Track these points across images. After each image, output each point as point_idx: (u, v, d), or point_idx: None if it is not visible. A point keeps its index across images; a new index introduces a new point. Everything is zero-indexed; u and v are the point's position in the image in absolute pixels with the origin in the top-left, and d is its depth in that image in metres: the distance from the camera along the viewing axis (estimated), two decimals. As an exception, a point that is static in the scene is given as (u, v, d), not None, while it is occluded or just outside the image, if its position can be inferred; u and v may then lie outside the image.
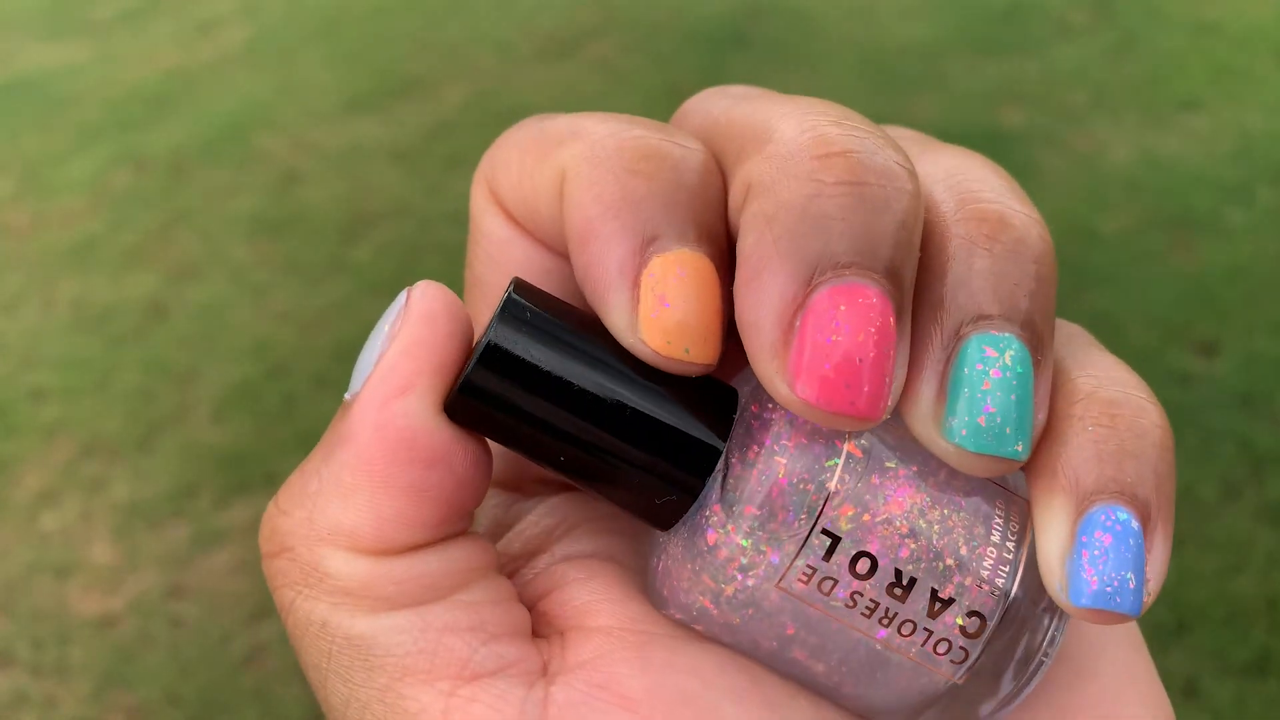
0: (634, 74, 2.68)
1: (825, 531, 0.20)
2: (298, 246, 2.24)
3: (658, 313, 0.20)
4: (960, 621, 0.21)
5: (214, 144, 2.60)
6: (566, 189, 0.21)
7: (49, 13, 3.39)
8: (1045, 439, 0.21)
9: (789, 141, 0.20)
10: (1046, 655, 0.22)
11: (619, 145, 0.21)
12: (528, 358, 0.20)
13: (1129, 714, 0.23)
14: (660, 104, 2.55)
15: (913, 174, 0.20)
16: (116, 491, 1.74)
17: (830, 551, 0.21)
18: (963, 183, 0.22)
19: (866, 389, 0.19)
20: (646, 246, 0.20)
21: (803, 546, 0.20)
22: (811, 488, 0.21)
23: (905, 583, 0.21)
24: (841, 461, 0.21)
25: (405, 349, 0.21)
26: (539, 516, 0.25)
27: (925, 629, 0.21)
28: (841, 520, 0.21)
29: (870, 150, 0.20)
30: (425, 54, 2.89)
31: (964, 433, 0.20)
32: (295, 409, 1.85)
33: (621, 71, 2.70)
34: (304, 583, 0.21)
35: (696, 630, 0.22)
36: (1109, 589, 0.20)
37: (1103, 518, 0.20)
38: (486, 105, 2.64)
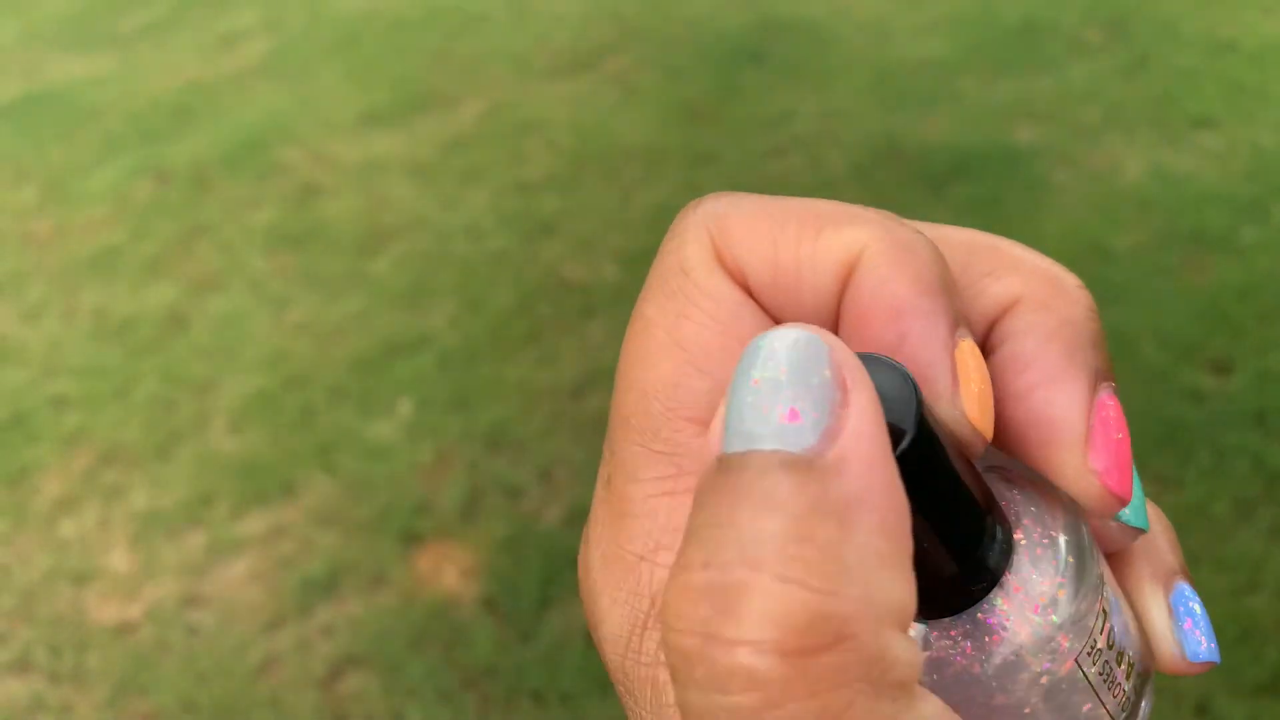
0: (649, 89, 2.70)
1: (1102, 610, 0.24)
2: (316, 258, 2.26)
3: (968, 386, 0.22)
4: (1131, 681, 0.25)
5: (234, 156, 2.63)
6: (870, 266, 0.22)
7: (73, 25, 3.43)
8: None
9: (1045, 268, 0.24)
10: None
11: (913, 235, 0.23)
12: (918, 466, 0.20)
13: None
14: (675, 119, 2.57)
15: None
16: (135, 500, 1.76)
17: (1101, 628, 0.24)
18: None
19: (1127, 478, 0.23)
20: (955, 329, 0.22)
21: (1095, 622, 0.23)
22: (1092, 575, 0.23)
23: (1119, 651, 0.24)
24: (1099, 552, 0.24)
25: (873, 401, 0.19)
26: None
27: (1121, 688, 0.25)
28: (1105, 599, 0.24)
29: None
30: (442, 68, 2.91)
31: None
32: (312, 420, 1.86)
33: (636, 87, 2.72)
34: (867, 678, 0.17)
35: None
36: (1211, 645, 0.25)
37: (1187, 595, 0.25)
38: (503, 119, 2.66)
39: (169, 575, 1.63)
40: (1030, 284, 0.24)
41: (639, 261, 2.14)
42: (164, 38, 3.27)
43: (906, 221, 0.23)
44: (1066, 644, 0.22)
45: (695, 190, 2.45)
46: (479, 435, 1.79)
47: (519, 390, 1.87)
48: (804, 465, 0.18)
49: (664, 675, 0.22)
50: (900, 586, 0.18)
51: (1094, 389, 0.23)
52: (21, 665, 1.53)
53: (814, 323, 0.22)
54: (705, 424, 0.22)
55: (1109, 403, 0.23)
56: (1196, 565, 1.45)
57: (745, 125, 2.51)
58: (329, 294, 2.15)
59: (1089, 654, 0.23)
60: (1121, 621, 0.24)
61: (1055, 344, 0.23)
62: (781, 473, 0.18)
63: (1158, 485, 1.56)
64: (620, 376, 0.23)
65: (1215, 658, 0.25)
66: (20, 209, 2.56)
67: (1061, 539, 0.23)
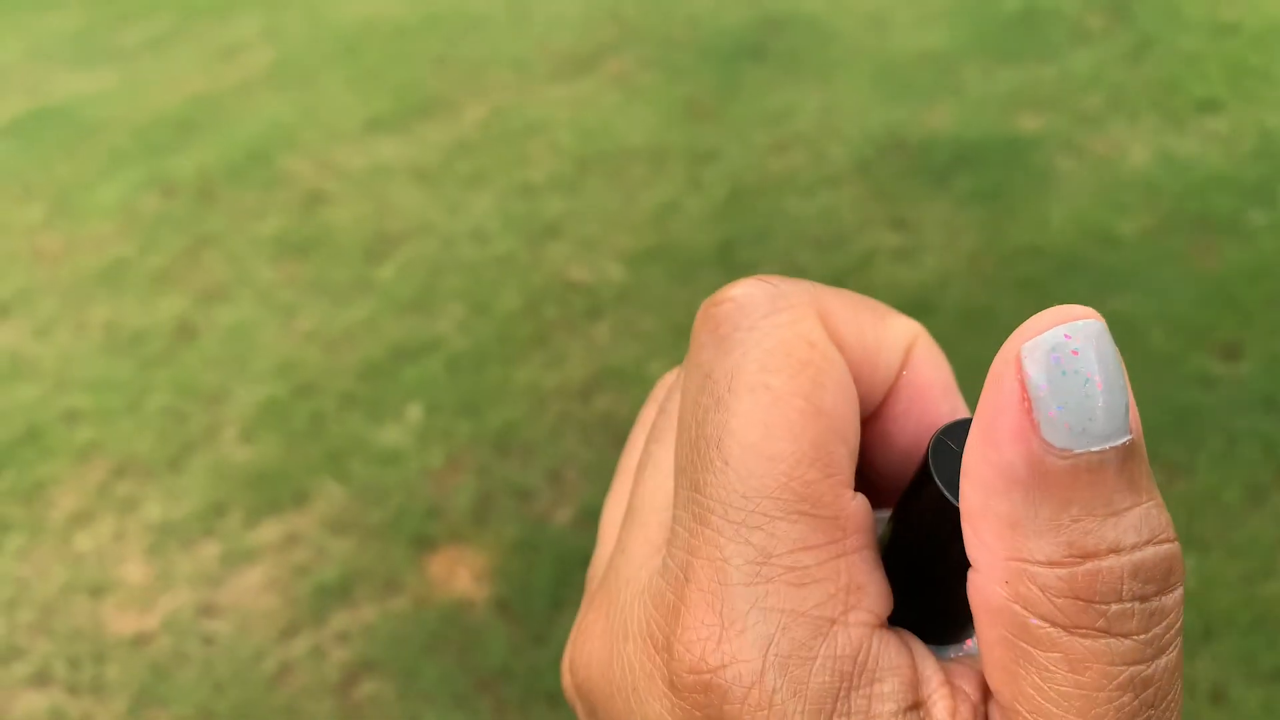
0: (651, 89, 2.70)
1: None
2: (323, 266, 2.27)
3: None
4: None
5: (240, 166, 2.64)
6: (927, 353, 0.27)
7: (76, 41, 3.45)
8: None
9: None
10: None
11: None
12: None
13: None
14: (677, 118, 2.57)
15: None
16: (149, 511, 1.77)
17: None
18: None
19: None
20: None
21: None
22: None
23: None
24: None
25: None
26: None
27: None
28: None
29: None
30: (444, 73, 2.92)
31: None
32: (323, 427, 1.87)
33: (639, 86, 2.72)
34: None
35: None
36: None
37: None
38: (505, 123, 2.66)
39: (184, 585, 1.64)
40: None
41: (644, 261, 2.14)
42: (167, 51, 3.29)
43: None
44: None
45: (699, 188, 2.44)
46: (488, 438, 1.79)
47: (527, 392, 1.87)
48: (1140, 447, 0.21)
49: None
50: None
51: None
52: (41, 678, 1.55)
53: (876, 393, 0.27)
54: (851, 486, 0.24)
55: None
56: (1208, 552, 1.44)
57: (747, 122, 2.51)
58: (337, 301, 2.16)
59: None
60: None
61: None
62: (1135, 461, 0.21)
63: (1168, 473, 1.55)
64: (749, 449, 0.24)
65: None
66: (28, 225, 2.57)
67: None
